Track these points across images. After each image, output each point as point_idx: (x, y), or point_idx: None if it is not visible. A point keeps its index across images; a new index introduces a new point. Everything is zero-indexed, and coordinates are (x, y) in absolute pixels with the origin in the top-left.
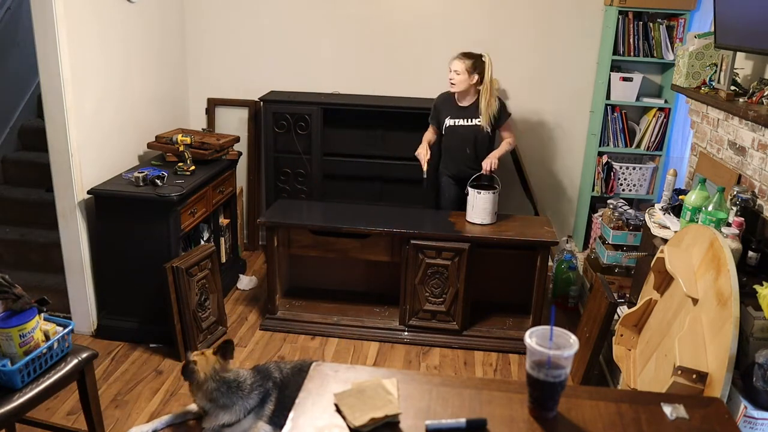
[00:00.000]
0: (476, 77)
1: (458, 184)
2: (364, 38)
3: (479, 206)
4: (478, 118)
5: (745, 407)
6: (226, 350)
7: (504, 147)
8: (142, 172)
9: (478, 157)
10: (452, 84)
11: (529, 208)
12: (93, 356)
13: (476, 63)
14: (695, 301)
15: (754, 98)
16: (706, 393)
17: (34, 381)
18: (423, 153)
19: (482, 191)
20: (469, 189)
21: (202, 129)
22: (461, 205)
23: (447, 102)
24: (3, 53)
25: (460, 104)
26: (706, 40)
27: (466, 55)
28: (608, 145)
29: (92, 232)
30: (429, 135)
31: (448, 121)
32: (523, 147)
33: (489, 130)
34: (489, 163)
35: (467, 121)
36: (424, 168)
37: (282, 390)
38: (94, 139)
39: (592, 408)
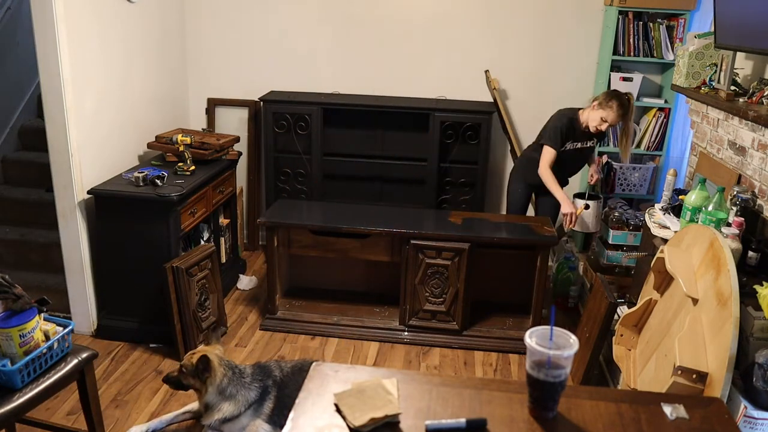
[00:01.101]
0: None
1: (533, 192)
2: (364, 38)
3: (594, 215)
4: (593, 139)
5: (745, 407)
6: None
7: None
8: (142, 172)
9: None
10: (600, 129)
11: (529, 208)
12: (93, 356)
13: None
14: (695, 301)
15: (754, 98)
16: (706, 393)
17: (34, 381)
18: (574, 213)
19: (593, 201)
20: (585, 202)
21: (202, 129)
22: (527, 210)
23: (573, 126)
24: (3, 53)
25: (583, 128)
26: (706, 40)
27: (617, 105)
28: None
29: (92, 232)
30: (552, 166)
31: (570, 145)
32: (522, 146)
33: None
34: (597, 179)
35: (585, 143)
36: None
37: (281, 389)
38: (94, 139)
39: (592, 408)
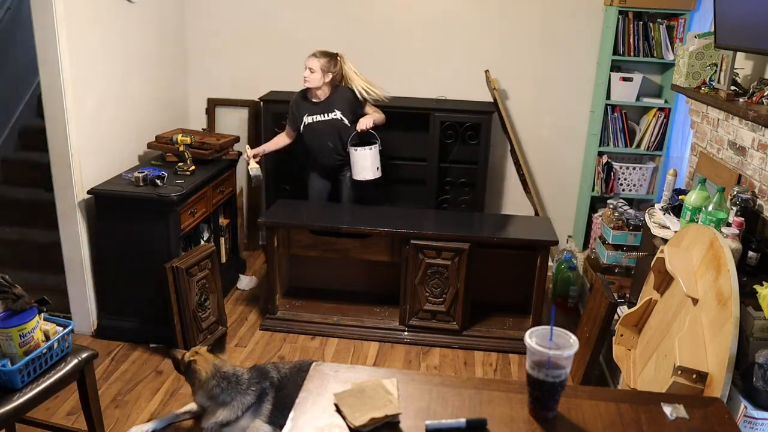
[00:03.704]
0: (330, 76)
1: (327, 177)
2: (364, 38)
3: (359, 163)
4: (334, 111)
5: (745, 407)
6: (221, 346)
7: (375, 116)
8: (142, 172)
9: (343, 147)
10: (306, 81)
11: (529, 208)
12: (93, 356)
13: (330, 61)
14: (695, 301)
15: (754, 98)
16: (706, 393)
17: (34, 381)
18: (249, 152)
19: (359, 148)
20: (351, 149)
21: (202, 129)
22: (329, 196)
23: (302, 100)
24: (3, 53)
25: (314, 101)
26: (706, 40)
27: (322, 54)
28: (608, 145)
29: (92, 232)
30: (280, 137)
31: (306, 119)
32: (522, 147)
33: (348, 120)
34: (364, 123)
35: (324, 116)
36: (253, 164)
37: (280, 389)
38: (94, 139)
39: (592, 408)
